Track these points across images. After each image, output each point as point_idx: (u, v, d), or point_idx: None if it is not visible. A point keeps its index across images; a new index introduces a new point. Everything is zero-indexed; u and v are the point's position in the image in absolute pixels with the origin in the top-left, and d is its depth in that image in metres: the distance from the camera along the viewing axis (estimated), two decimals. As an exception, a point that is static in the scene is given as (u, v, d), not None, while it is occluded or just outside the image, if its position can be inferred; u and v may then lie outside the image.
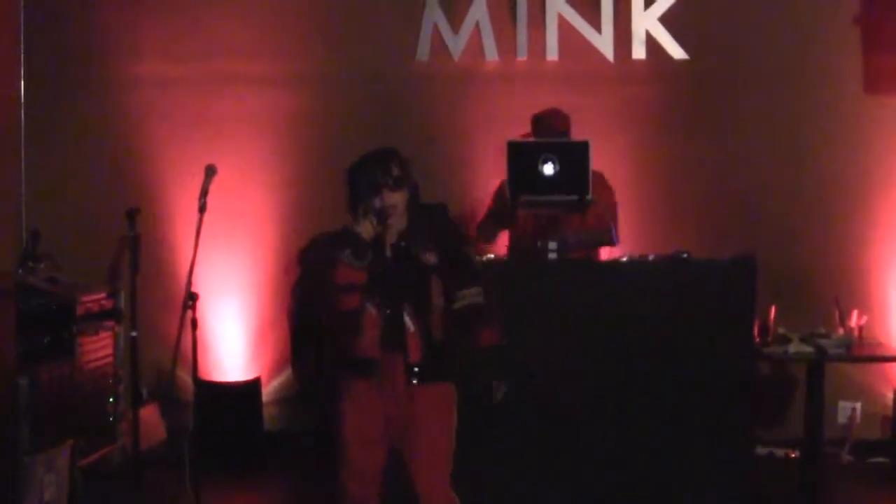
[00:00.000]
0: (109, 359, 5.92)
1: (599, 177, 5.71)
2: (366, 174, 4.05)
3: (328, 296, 4.01)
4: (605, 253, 5.55)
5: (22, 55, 6.92)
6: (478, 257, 4.45)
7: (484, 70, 6.73)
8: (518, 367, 4.83)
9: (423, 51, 6.71)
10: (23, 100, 6.92)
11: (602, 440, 4.92)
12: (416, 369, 3.96)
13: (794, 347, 5.44)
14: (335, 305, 4.00)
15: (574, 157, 5.07)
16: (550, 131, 5.65)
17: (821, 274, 6.36)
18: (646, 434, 4.93)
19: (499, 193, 5.68)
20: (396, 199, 4.01)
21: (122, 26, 6.88)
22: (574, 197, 5.04)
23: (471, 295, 3.96)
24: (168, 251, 6.66)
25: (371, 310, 3.97)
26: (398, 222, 4.03)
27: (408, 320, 3.96)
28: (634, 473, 4.93)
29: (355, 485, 4.04)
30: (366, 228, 3.97)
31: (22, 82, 6.92)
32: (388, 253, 3.99)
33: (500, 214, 5.61)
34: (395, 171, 4.02)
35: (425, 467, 4.03)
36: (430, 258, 3.99)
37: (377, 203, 3.99)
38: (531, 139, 5.62)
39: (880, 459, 6.29)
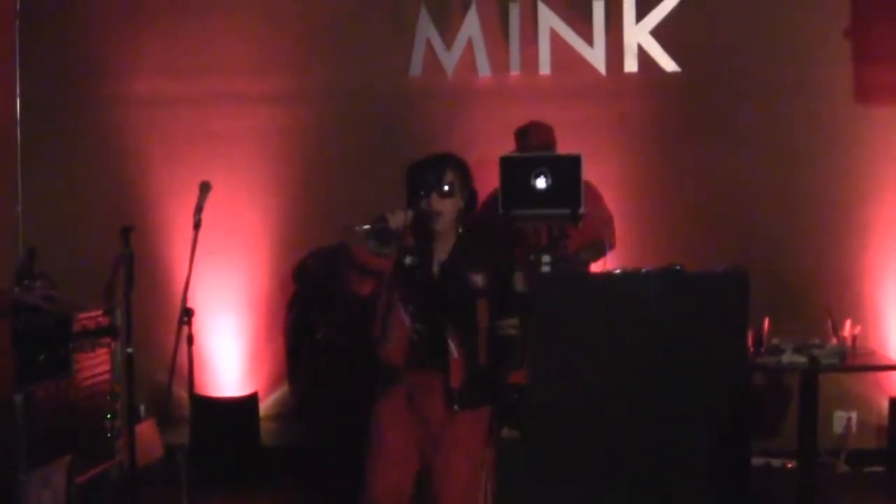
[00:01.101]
0: (106, 375, 5.93)
1: (585, 185, 5.72)
2: (419, 175, 3.98)
3: (341, 275, 3.90)
4: (599, 265, 5.57)
5: (17, 72, 6.95)
6: (523, 288, 4.31)
7: (477, 85, 6.75)
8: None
9: (417, 67, 6.74)
10: (19, 117, 6.95)
11: (594, 453, 4.92)
12: (457, 396, 3.87)
13: (787, 358, 5.45)
14: (348, 284, 3.89)
15: (566, 170, 5.06)
16: (535, 142, 5.67)
17: (814, 284, 6.38)
18: (639, 446, 4.93)
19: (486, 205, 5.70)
20: (445, 207, 3.93)
21: (117, 44, 6.91)
22: (567, 211, 5.04)
23: (508, 326, 3.89)
24: (164, 267, 6.68)
25: (403, 317, 3.88)
26: (447, 233, 3.96)
27: (451, 344, 3.87)
28: (628, 485, 4.93)
29: None
30: (396, 218, 3.82)
31: (18, 100, 6.95)
32: (436, 268, 3.92)
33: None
34: (449, 178, 3.94)
35: (452, 490, 3.95)
36: (479, 281, 3.90)
37: (424, 206, 3.92)
38: (522, 153, 5.64)
39: (876, 469, 6.30)
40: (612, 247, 5.65)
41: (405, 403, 3.90)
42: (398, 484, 3.93)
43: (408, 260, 3.92)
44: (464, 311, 3.89)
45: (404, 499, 3.96)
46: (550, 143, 5.74)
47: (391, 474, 3.91)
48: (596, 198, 5.78)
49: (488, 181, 5.25)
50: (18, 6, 6.97)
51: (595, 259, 5.49)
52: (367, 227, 3.79)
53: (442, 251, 3.97)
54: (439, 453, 3.92)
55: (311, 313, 6.53)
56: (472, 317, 3.90)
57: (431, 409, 3.88)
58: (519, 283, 4.01)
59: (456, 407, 3.87)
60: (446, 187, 3.94)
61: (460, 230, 4.01)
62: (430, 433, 3.91)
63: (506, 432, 4.06)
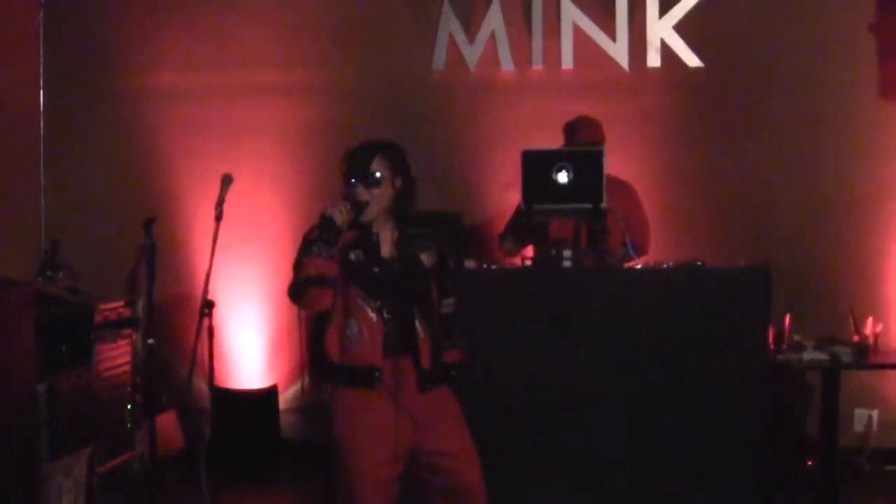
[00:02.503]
0: (127, 367, 5.96)
1: (622, 185, 5.70)
2: (348, 164, 3.97)
3: (296, 295, 3.87)
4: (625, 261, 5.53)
5: (41, 66, 6.99)
6: (458, 266, 4.27)
7: (499, 79, 6.75)
8: (525, 376, 4.88)
9: (439, 61, 6.74)
10: (42, 110, 6.99)
11: (615, 447, 4.92)
12: (428, 375, 3.87)
13: (808, 355, 5.42)
14: (305, 305, 3.88)
15: (588, 165, 5.06)
16: (584, 139, 5.63)
17: (836, 281, 6.35)
18: (660, 442, 4.92)
19: (521, 208, 5.67)
20: (372, 196, 3.90)
21: (140, 37, 6.94)
22: (588, 205, 5.04)
23: (446, 305, 3.89)
24: (185, 259, 6.71)
25: (371, 315, 3.84)
26: (384, 222, 3.94)
27: (418, 325, 3.87)
28: (648, 481, 4.93)
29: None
30: (338, 213, 3.84)
31: (41, 93, 6.99)
32: (389, 254, 3.90)
33: (521, 228, 5.56)
34: (373, 168, 3.92)
35: (461, 458, 3.92)
36: (427, 259, 3.90)
37: (351, 196, 3.91)
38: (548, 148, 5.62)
39: (897, 467, 6.28)
40: (644, 252, 5.60)
41: (384, 401, 3.84)
42: (385, 488, 3.88)
43: (352, 255, 3.89)
44: (421, 291, 3.90)
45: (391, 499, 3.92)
46: (599, 141, 5.68)
47: (378, 478, 3.85)
48: (631, 198, 5.75)
49: (510, 175, 5.27)
50: (43, 0, 7.00)
51: (622, 261, 5.44)
52: (317, 232, 3.82)
53: (385, 239, 3.95)
54: (427, 430, 3.88)
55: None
56: (429, 296, 3.91)
57: (409, 394, 3.86)
58: (451, 262, 4.03)
59: (427, 387, 3.87)
60: (374, 176, 3.91)
61: (395, 218, 3.98)
62: (413, 420, 3.87)
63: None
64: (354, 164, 3.96)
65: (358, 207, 3.89)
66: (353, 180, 3.94)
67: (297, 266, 3.88)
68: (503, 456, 4.59)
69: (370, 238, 3.92)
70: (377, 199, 3.92)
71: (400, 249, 3.93)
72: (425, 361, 3.88)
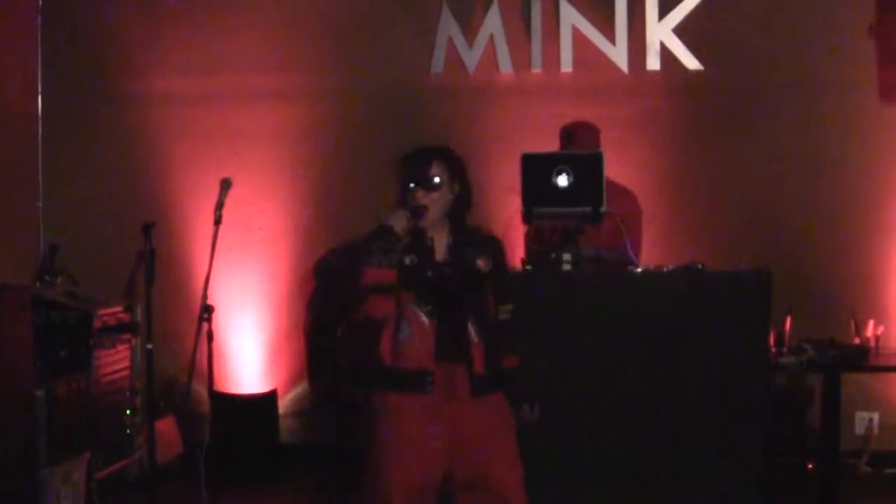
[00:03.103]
0: (126, 372, 5.96)
1: (626, 193, 5.69)
2: (406, 169, 3.93)
3: (352, 303, 3.85)
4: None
5: (39, 70, 6.98)
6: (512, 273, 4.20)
7: (499, 82, 6.74)
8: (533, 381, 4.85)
9: (438, 64, 6.73)
10: (40, 114, 6.98)
11: (614, 451, 4.91)
12: (480, 381, 3.82)
13: (809, 357, 5.41)
14: (364, 312, 3.84)
15: (588, 168, 5.05)
16: (581, 145, 5.62)
17: (837, 284, 6.33)
18: (660, 445, 4.91)
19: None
20: (431, 201, 3.86)
21: (138, 41, 6.93)
22: (588, 209, 5.02)
23: (503, 312, 3.86)
24: (184, 264, 6.69)
25: (423, 319, 3.81)
26: (439, 226, 3.91)
27: (471, 330, 3.83)
28: (648, 484, 4.91)
29: None
30: (398, 220, 3.81)
31: (39, 97, 6.98)
32: (443, 258, 3.87)
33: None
34: (433, 171, 3.88)
35: (505, 470, 3.88)
36: (483, 264, 3.85)
37: (410, 201, 3.86)
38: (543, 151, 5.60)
39: (898, 471, 6.27)
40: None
41: (424, 406, 3.82)
42: (420, 495, 3.85)
43: (407, 261, 3.86)
44: (476, 296, 3.86)
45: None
46: (596, 147, 5.67)
47: (414, 484, 3.82)
48: (631, 207, 5.72)
49: (510, 178, 5.25)
50: (41, 3, 6.99)
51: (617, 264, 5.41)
52: (371, 240, 3.78)
53: (439, 244, 3.92)
54: (474, 441, 3.83)
55: (331, 311, 6.53)
56: (483, 302, 3.87)
57: (460, 400, 3.82)
58: (508, 267, 4.02)
59: (479, 393, 3.82)
60: (433, 180, 3.88)
61: (452, 223, 3.95)
62: (455, 428, 3.82)
63: (526, 411, 3.99)
64: (413, 169, 3.91)
65: (416, 212, 3.85)
66: (412, 185, 3.89)
67: (348, 273, 3.85)
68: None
69: (425, 243, 3.89)
70: (436, 204, 3.88)
71: (454, 254, 3.89)
72: (478, 367, 3.84)
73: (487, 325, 3.85)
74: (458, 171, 3.97)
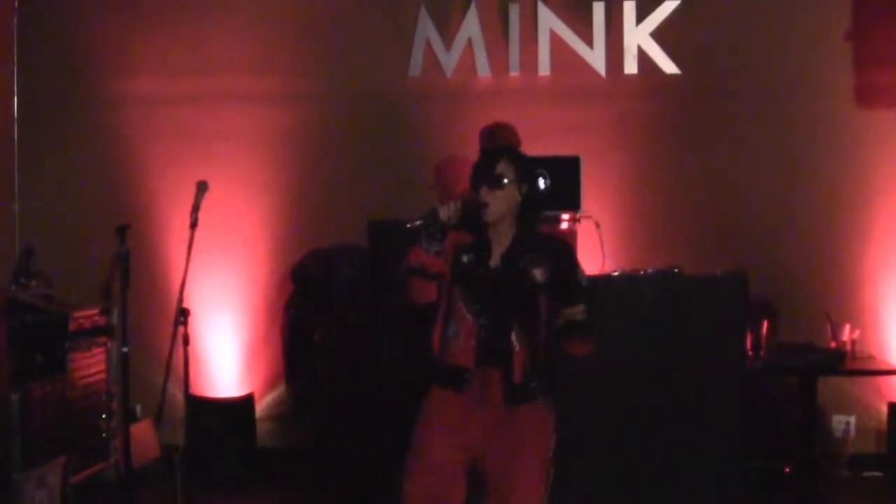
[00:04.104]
0: (102, 375, 5.91)
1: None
2: (475, 167, 3.92)
3: (398, 283, 3.83)
4: (597, 268, 5.52)
5: (15, 72, 6.94)
6: (586, 282, 4.04)
7: (477, 86, 6.74)
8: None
9: (416, 67, 6.73)
10: (16, 116, 6.94)
11: (592, 453, 4.91)
12: (516, 390, 3.79)
13: (786, 361, 5.43)
14: (408, 295, 3.83)
15: (565, 172, 5.06)
16: (504, 143, 5.61)
17: (813, 288, 6.36)
18: (638, 449, 4.92)
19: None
20: (493, 199, 3.83)
21: (114, 43, 6.90)
22: (566, 212, 5.04)
23: (574, 312, 3.74)
24: (160, 267, 6.67)
25: (468, 317, 3.81)
26: (503, 230, 3.87)
27: (514, 338, 3.80)
28: (626, 486, 4.92)
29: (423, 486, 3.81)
30: (445, 208, 3.77)
31: (15, 99, 6.94)
32: (496, 264, 3.85)
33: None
34: (499, 170, 3.85)
35: (528, 484, 3.84)
36: (539, 275, 3.81)
37: (475, 197, 3.84)
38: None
39: (875, 473, 6.29)
40: None
41: (461, 405, 3.82)
42: (437, 486, 3.83)
43: (465, 258, 3.87)
44: (525, 305, 3.82)
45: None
46: (517, 146, 5.67)
47: (432, 476, 3.82)
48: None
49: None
50: (16, 5, 6.95)
51: None
52: (418, 222, 3.77)
53: (500, 247, 3.90)
54: (505, 451, 3.81)
55: (308, 314, 6.52)
56: (533, 311, 3.83)
57: (492, 407, 3.80)
58: (582, 277, 3.91)
59: (514, 403, 3.80)
60: (499, 178, 3.85)
61: (517, 226, 3.92)
62: (492, 429, 3.81)
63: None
64: (481, 167, 3.90)
65: (473, 206, 3.82)
66: (475, 183, 3.88)
67: (405, 256, 3.83)
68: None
69: (485, 244, 3.88)
70: (499, 201, 3.85)
71: (508, 259, 3.86)
72: (517, 375, 3.80)
73: (535, 334, 3.82)
74: (528, 174, 3.94)
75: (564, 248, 4.02)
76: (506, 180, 3.85)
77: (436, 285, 3.83)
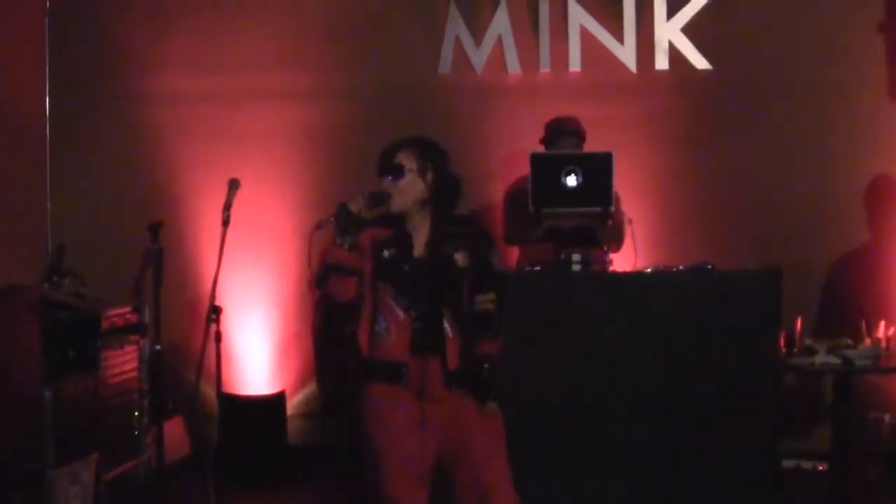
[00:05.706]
0: (134, 372, 5.94)
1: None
2: (378, 158, 3.98)
3: (317, 283, 3.91)
4: (630, 265, 5.49)
5: (47, 70, 6.97)
6: (499, 266, 4.15)
7: (506, 82, 6.72)
8: (538, 380, 4.84)
9: (446, 64, 6.72)
10: (48, 114, 6.97)
11: (625, 451, 4.89)
12: (454, 376, 3.81)
13: (820, 359, 5.38)
14: (328, 293, 3.90)
15: (597, 168, 5.04)
16: (568, 127, 5.61)
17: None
18: (671, 446, 4.89)
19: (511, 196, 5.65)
20: (396, 189, 3.89)
21: (146, 41, 6.92)
22: (597, 209, 5.02)
23: (484, 300, 3.82)
24: (192, 265, 6.67)
25: (399, 312, 3.83)
26: (420, 221, 3.91)
27: (447, 325, 3.84)
28: (658, 486, 4.90)
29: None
30: (354, 203, 3.86)
31: (47, 97, 6.97)
32: (422, 253, 3.88)
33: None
34: (397, 160, 3.91)
35: (495, 471, 3.87)
36: (461, 259, 3.85)
37: (381, 189, 3.92)
38: (553, 151, 5.58)
39: (909, 472, 6.23)
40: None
41: (411, 397, 3.83)
42: (415, 481, 3.86)
43: (385, 253, 3.89)
44: (453, 291, 3.86)
45: (422, 497, 3.89)
46: (581, 132, 5.66)
47: (407, 471, 3.84)
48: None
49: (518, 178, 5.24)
50: (48, 4, 6.98)
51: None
52: (331, 218, 3.85)
53: (421, 237, 3.93)
54: (466, 440, 3.84)
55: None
56: (460, 296, 3.86)
57: (436, 394, 3.82)
58: (495, 260, 3.95)
59: (453, 387, 3.82)
60: (398, 167, 3.90)
61: (433, 214, 3.95)
62: (438, 419, 3.83)
63: (489, 407, 3.90)
64: (381, 160, 3.97)
65: (376, 198, 3.88)
66: (379, 175, 3.95)
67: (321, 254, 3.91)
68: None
69: (404, 236, 3.92)
70: (402, 192, 3.90)
71: (431, 248, 3.90)
72: (452, 362, 3.84)
73: (464, 319, 3.85)
74: (433, 161, 3.96)
75: (482, 232, 4.05)
76: (407, 169, 3.89)
77: (355, 282, 3.87)
